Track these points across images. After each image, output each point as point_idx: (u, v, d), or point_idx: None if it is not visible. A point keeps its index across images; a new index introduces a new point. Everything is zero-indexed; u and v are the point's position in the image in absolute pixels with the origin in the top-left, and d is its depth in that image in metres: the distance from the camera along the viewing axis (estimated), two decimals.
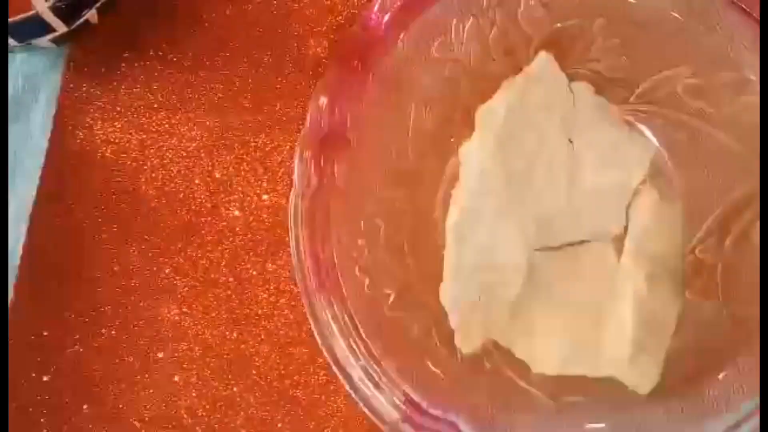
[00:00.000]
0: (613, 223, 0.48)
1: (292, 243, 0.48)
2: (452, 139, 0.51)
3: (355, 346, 0.47)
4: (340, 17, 0.62)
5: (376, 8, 0.48)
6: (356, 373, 0.46)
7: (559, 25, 0.49)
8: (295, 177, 0.48)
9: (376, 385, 0.46)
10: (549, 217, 0.48)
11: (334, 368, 0.47)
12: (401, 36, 0.49)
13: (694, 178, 0.48)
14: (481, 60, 0.50)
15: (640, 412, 0.46)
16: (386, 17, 0.48)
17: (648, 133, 0.49)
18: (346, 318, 0.47)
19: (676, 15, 0.47)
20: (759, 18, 0.44)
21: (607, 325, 0.47)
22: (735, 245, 0.47)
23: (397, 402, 0.46)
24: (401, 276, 0.50)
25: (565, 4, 0.48)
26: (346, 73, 0.49)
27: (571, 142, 0.49)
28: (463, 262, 0.48)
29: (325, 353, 0.47)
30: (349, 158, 0.49)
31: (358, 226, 0.49)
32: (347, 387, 0.47)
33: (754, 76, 0.45)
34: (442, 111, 0.51)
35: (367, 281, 0.49)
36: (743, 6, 0.45)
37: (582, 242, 0.49)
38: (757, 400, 0.42)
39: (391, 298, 0.49)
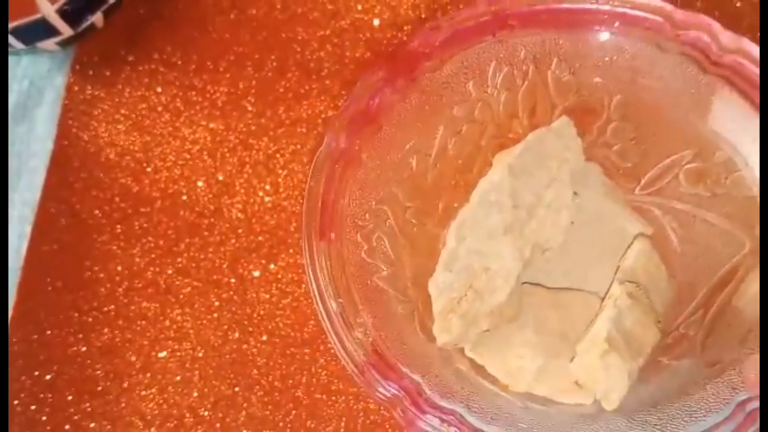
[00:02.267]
0: (601, 283, 0.50)
1: (307, 188, 0.49)
2: (474, 171, 0.53)
3: (340, 288, 0.48)
4: (344, 22, 0.63)
5: (432, 26, 0.51)
6: (333, 306, 0.47)
7: (582, 94, 0.53)
8: (327, 137, 0.49)
9: (350, 325, 0.47)
10: (545, 249, 0.50)
11: (315, 298, 0.48)
12: (448, 62, 0.52)
13: (683, 262, 0.51)
14: (509, 112, 0.53)
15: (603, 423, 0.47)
16: (439, 39, 0.51)
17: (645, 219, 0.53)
18: (337, 267, 0.48)
19: (684, 99, 0.50)
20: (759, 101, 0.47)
21: (583, 342, 0.48)
22: (717, 314, 0.49)
23: (366, 345, 0.46)
24: (396, 262, 0.51)
25: (592, 78, 0.52)
26: (393, 74, 0.51)
27: (576, 194, 0.51)
28: (457, 259, 0.49)
29: (311, 284, 0.48)
30: (376, 146, 0.51)
31: (369, 205, 0.51)
32: (322, 317, 0.47)
33: (745, 152, 0.49)
34: (465, 149, 0.54)
35: (365, 247, 0.50)
36: (739, 87, 0.48)
37: (569, 290, 0.51)
38: (718, 415, 0.44)
39: (384, 272, 0.50)
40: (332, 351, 0.55)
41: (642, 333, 0.48)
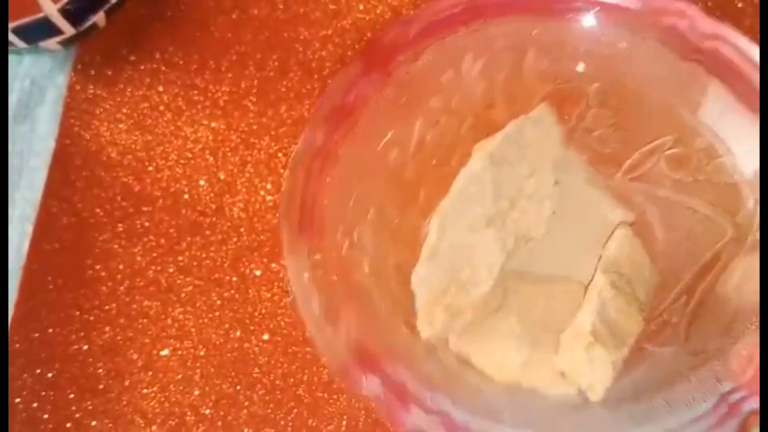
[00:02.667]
0: (584, 272, 0.50)
1: (285, 187, 0.48)
2: (453, 162, 0.53)
3: (322, 286, 0.47)
4: (346, 21, 0.63)
5: (405, 19, 0.51)
6: (315, 306, 0.46)
7: (560, 82, 0.52)
8: (303, 134, 0.49)
9: (333, 325, 0.45)
10: (528, 239, 0.50)
11: (297, 298, 0.46)
12: (423, 54, 0.51)
13: (666, 248, 0.50)
14: (487, 102, 0.53)
15: (588, 414, 0.47)
16: (413, 31, 0.51)
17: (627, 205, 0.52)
18: (318, 266, 0.47)
19: (664, 85, 0.50)
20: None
21: (567, 332, 0.48)
22: (700, 302, 0.49)
23: (350, 344, 0.45)
24: (378, 257, 0.50)
25: (570, 64, 0.52)
26: (368, 68, 0.50)
27: (557, 182, 0.51)
28: (440, 252, 0.49)
29: (292, 284, 0.47)
30: (354, 141, 0.50)
31: (348, 201, 0.50)
32: (305, 317, 0.46)
33: (725, 139, 0.49)
34: (444, 140, 0.53)
35: (346, 244, 0.49)
36: (719, 73, 0.49)
37: (554, 278, 0.51)
38: (702, 406, 0.44)
39: (366, 269, 0.49)
40: None
41: (625, 322, 0.47)
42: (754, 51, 0.47)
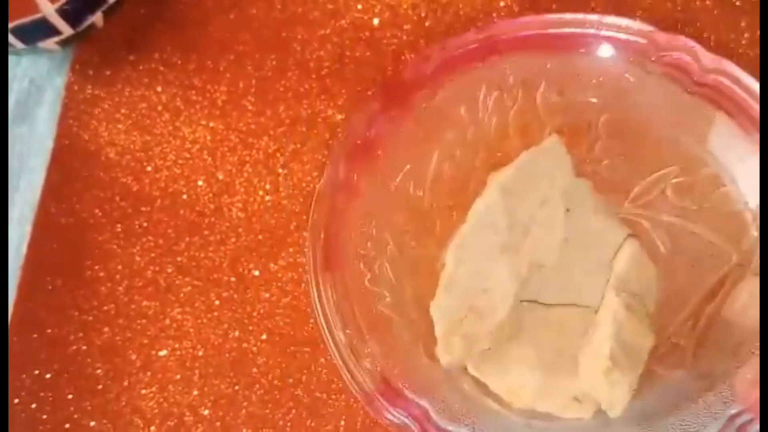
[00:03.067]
0: (594, 296, 0.51)
1: (310, 222, 0.51)
2: (469, 191, 0.54)
3: (347, 318, 0.49)
4: (344, 21, 0.63)
5: (424, 55, 0.53)
6: (341, 337, 0.49)
7: (570, 114, 0.54)
8: (327, 168, 0.51)
9: (358, 355, 0.48)
10: (540, 266, 0.51)
11: (324, 331, 0.49)
12: (440, 89, 0.54)
13: (672, 272, 0.52)
14: (500, 134, 0.54)
15: None
16: (431, 68, 0.53)
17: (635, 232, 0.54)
18: (343, 298, 0.50)
19: (670, 117, 0.52)
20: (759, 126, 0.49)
21: (583, 358, 0.49)
22: (706, 326, 0.50)
23: (375, 374, 0.48)
24: (398, 288, 0.53)
25: (579, 98, 0.53)
26: (387, 104, 0.53)
27: (568, 210, 0.52)
28: (457, 281, 0.50)
29: (318, 316, 0.49)
30: (374, 175, 0.53)
31: (370, 233, 0.52)
32: (332, 349, 0.48)
33: (730, 168, 0.50)
34: (460, 171, 0.55)
35: (369, 276, 0.51)
36: (722, 106, 0.50)
37: (565, 305, 0.52)
38: (710, 428, 0.46)
39: (387, 299, 0.52)
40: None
41: (639, 341, 0.49)
42: (755, 85, 0.49)
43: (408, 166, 0.54)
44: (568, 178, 0.52)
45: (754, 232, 0.49)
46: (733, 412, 0.45)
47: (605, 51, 0.52)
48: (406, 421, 0.47)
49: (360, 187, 0.52)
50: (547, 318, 0.52)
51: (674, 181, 0.52)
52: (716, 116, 0.50)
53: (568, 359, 0.49)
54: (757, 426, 0.44)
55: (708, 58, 0.50)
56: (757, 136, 0.49)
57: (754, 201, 0.50)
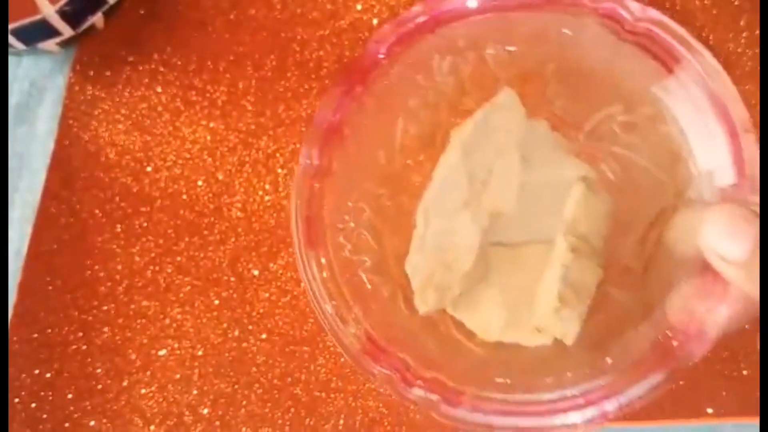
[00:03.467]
0: (553, 228, 0.54)
1: (293, 206, 0.53)
2: (436, 145, 0.57)
3: (332, 290, 0.52)
4: (343, 21, 0.63)
5: (376, 39, 0.55)
6: (329, 309, 0.51)
7: (519, 66, 0.57)
8: (301, 157, 0.53)
9: (344, 321, 0.51)
10: (500, 214, 0.54)
11: (314, 303, 0.51)
12: (395, 64, 0.56)
13: (623, 200, 0.54)
14: (458, 91, 0.58)
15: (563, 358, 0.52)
16: (384, 48, 0.55)
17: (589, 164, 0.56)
18: (328, 272, 0.52)
19: (609, 64, 0.55)
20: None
21: (538, 295, 0.52)
22: (653, 252, 0.53)
23: (360, 336, 0.50)
24: (377, 250, 0.55)
25: (526, 52, 0.57)
26: (349, 87, 0.55)
27: (525, 159, 0.54)
28: (427, 240, 0.53)
29: (308, 291, 0.51)
30: (345, 153, 0.55)
31: (346, 207, 0.55)
32: (321, 319, 0.51)
33: (666, 108, 0.53)
34: (425, 129, 0.57)
35: (349, 247, 0.54)
36: (652, 51, 0.53)
37: (527, 243, 0.55)
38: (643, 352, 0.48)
39: (367, 264, 0.54)
40: (331, 349, 0.56)
41: (587, 278, 0.52)
42: (680, 30, 0.52)
43: (376, 139, 0.56)
44: (522, 127, 0.54)
45: (690, 168, 0.52)
46: (661, 337, 0.48)
47: (543, 8, 0.55)
48: (389, 372, 0.49)
49: (333, 168, 0.54)
50: (511, 257, 0.54)
51: (620, 118, 0.55)
52: (647, 60, 0.53)
53: (530, 294, 0.52)
54: (687, 349, 0.46)
55: (636, 7, 0.52)
56: (688, 78, 0.51)
57: (690, 138, 0.52)
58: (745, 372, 0.54)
